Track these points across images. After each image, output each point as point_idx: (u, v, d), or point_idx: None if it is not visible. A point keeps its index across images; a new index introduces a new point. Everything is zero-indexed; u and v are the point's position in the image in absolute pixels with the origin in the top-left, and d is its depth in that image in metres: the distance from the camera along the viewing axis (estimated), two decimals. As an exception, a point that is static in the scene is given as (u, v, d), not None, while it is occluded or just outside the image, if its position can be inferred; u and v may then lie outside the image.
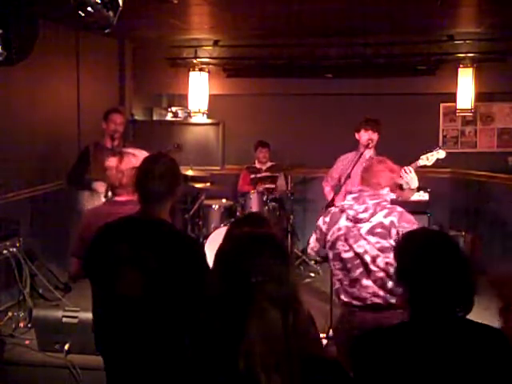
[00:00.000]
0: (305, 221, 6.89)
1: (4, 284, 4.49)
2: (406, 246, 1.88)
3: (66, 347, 3.53)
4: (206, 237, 5.75)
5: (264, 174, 6.49)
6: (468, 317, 1.79)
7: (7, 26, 3.24)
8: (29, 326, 4.08)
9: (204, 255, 2.37)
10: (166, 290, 2.20)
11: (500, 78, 6.45)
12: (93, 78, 6.31)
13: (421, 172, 4.39)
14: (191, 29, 6.15)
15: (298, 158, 6.72)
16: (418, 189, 5.97)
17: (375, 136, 4.73)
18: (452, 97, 6.45)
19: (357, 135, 4.83)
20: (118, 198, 2.86)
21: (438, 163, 4.15)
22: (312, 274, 6.16)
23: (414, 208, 5.07)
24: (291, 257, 1.70)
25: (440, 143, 6.87)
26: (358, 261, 2.94)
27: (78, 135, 5.98)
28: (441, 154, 4.09)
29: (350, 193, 3.09)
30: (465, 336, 1.72)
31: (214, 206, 6.19)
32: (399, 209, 3.00)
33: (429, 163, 4.09)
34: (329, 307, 4.40)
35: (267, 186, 6.35)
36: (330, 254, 3.08)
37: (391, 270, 2.75)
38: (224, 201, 6.33)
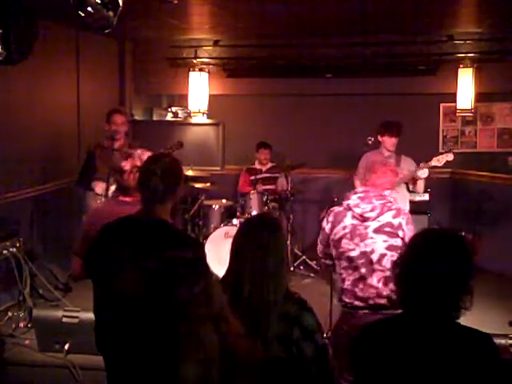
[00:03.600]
0: (305, 221, 6.89)
1: (4, 284, 4.49)
2: (409, 246, 1.90)
3: (66, 347, 3.53)
4: (206, 237, 5.75)
5: (264, 175, 6.49)
6: (472, 316, 1.79)
7: (7, 26, 3.25)
8: (29, 326, 4.09)
9: (205, 255, 2.36)
10: (167, 290, 2.20)
11: (500, 78, 6.44)
12: (93, 78, 6.31)
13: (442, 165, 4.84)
14: (191, 29, 6.15)
15: (298, 158, 6.73)
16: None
17: (396, 140, 5.03)
18: (452, 97, 6.44)
19: (380, 138, 5.01)
20: (126, 199, 2.84)
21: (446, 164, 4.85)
22: (312, 274, 6.16)
23: (414, 208, 5.12)
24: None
25: (440, 147, 6.88)
26: (364, 259, 2.95)
27: (78, 135, 5.99)
28: (450, 157, 4.80)
29: (355, 193, 3.13)
30: (452, 337, 1.72)
31: (214, 206, 6.19)
32: (404, 211, 3.13)
33: (439, 164, 4.78)
34: (329, 307, 4.41)
35: (267, 187, 6.36)
36: (334, 253, 3.10)
37: None
38: (224, 201, 6.32)
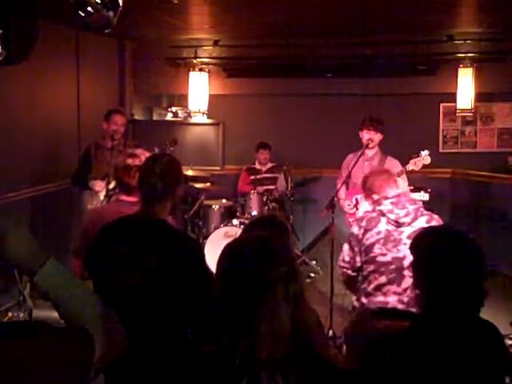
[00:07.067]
0: (305, 221, 6.89)
1: (4, 284, 4.49)
2: (427, 242, 1.92)
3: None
4: (206, 237, 5.75)
5: (264, 176, 6.48)
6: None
7: (7, 26, 3.24)
8: (29, 326, 4.07)
9: (203, 255, 2.37)
10: (166, 289, 2.20)
11: (500, 77, 6.45)
12: (93, 78, 6.31)
13: (421, 172, 4.59)
14: (191, 29, 6.14)
15: (298, 159, 6.72)
16: (419, 189, 6.00)
17: (377, 136, 4.72)
18: (452, 97, 6.44)
19: (360, 134, 4.81)
20: (129, 198, 2.84)
21: (424, 167, 4.57)
22: (312, 274, 6.16)
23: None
24: (294, 256, 1.82)
25: (440, 146, 6.88)
26: (393, 266, 2.93)
27: (78, 135, 5.99)
28: (427, 159, 4.49)
29: (386, 198, 3.08)
30: (476, 332, 1.78)
31: (214, 206, 6.19)
32: (436, 216, 3.08)
33: (416, 168, 4.48)
34: (329, 308, 4.41)
35: (267, 187, 6.35)
36: (363, 257, 3.06)
37: None
38: (224, 201, 6.32)
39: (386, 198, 3.07)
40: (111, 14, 2.71)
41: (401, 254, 2.93)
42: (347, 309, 5.10)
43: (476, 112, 6.65)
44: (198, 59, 6.76)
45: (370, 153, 4.78)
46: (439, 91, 6.69)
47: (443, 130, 6.94)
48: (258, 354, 1.30)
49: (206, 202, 6.27)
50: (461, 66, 6.29)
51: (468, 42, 6.29)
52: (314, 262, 6.30)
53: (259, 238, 1.53)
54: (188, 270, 2.21)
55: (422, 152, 4.44)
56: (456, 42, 6.31)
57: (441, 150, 6.82)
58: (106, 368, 2.38)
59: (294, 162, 6.51)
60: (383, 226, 3.01)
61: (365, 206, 4.67)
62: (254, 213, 5.87)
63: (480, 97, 6.41)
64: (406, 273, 2.89)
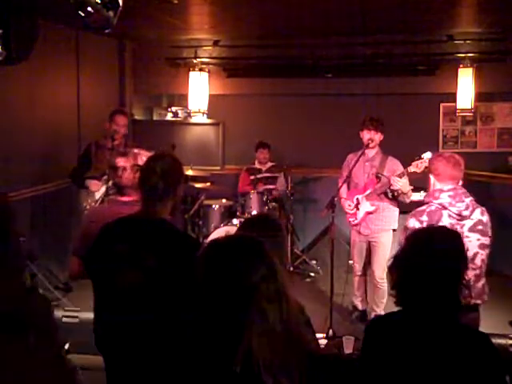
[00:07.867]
0: (305, 221, 6.89)
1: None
2: (410, 240, 1.91)
3: (66, 347, 3.52)
4: (206, 237, 5.75)
5: (264, 175, 6.49)
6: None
7: (7, 26, 3.24)
8: (29, 325, 4.08)
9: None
10: (166, 289, 2.20)
11: (500, 77, 6.44)
12: (93, 78, 6.31)
13: (421, 172, 4.54)
14: (191, 29, 6.14)
15: (298, 158, 6.73)
16: (419, 189, 6.00)
17: (377, 136, 4.69)
18: (452, 97, 6.44)
19: (360, 134, 4.77)
20: (123, 198, 2.84)
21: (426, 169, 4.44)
22: (312, 274, 6.16)
23: (414, 208, 5.08)
24: (283, 255, 1.79)
25: (440, 146, 6.87)
26: None
27: (78, 135, 5.99)
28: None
29: (442, 191, 3.07)
30: (449, 336, 1.74)
31: (214, 206, 6.20)
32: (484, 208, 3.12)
33: (418, 170, 4.39)
34: (329, 307, 4.41)
35: (267, 186, 6.35)
36: None
37: (484, 267, 2.91)
38: (224, 201, 6.33)
39: (442, 191, 3.07)
40: (111, 13, 2.71)
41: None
42: (347, 308, 5.12)
43: (476, 112, 6.65)
44: (198, 59, 6.76)
45: (370, 153, 4.75)
46: (439, 91, 6.69)
47: (443, 130, 6.94)
48: (255, 359, 1.29)
49: (206, 202, 6.27)
50: (461, 66, 6.29)
51: (468, 42, 6.30)
52: (314, 262, 6.30)
53: (237, 239, 1.52)
54: (188, 270, 2.21)
55: (424, 154, 4.41)
56: (456, 41, 6.31)
57: (441, 150, 6.81)
58: (107, 366, 2.39)
59: (294, 161, 6.51)
60: (446, 219, 2.99)
61: (366, 207, 4.67)
62: (254, 212, 5.87)
63: (480, 97, 6.41)
64: (470, 265, 2.87)
